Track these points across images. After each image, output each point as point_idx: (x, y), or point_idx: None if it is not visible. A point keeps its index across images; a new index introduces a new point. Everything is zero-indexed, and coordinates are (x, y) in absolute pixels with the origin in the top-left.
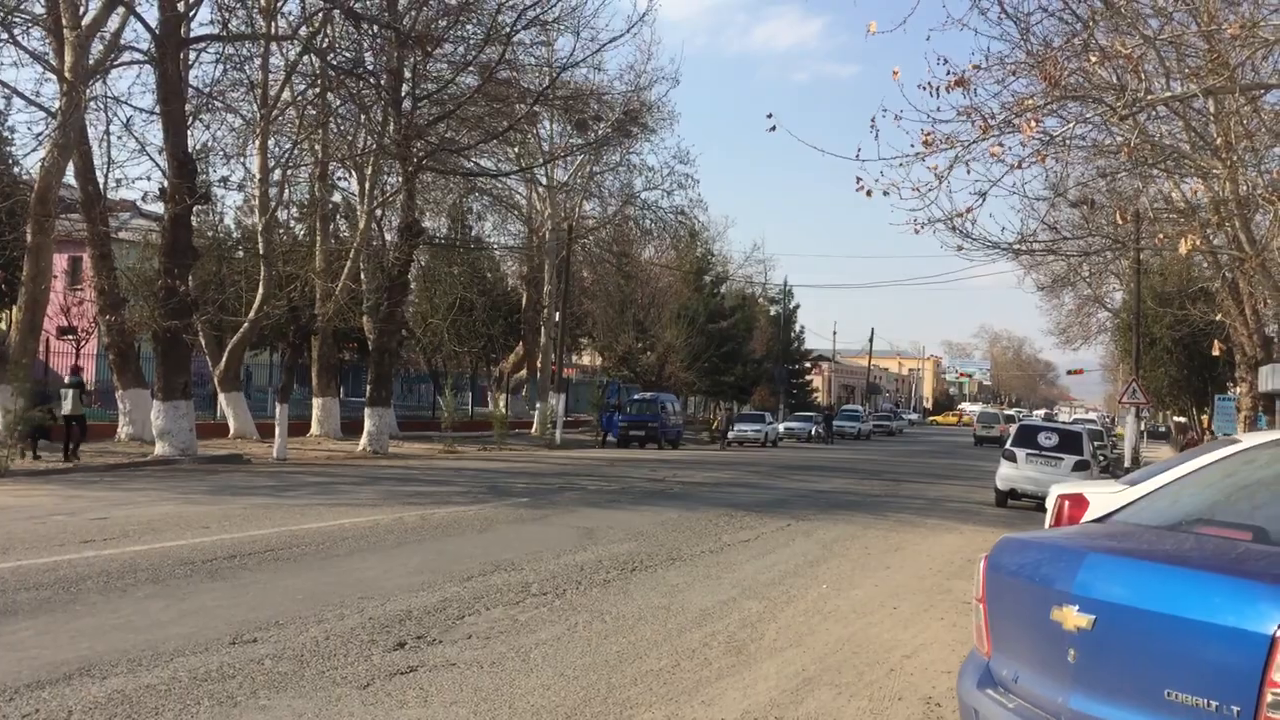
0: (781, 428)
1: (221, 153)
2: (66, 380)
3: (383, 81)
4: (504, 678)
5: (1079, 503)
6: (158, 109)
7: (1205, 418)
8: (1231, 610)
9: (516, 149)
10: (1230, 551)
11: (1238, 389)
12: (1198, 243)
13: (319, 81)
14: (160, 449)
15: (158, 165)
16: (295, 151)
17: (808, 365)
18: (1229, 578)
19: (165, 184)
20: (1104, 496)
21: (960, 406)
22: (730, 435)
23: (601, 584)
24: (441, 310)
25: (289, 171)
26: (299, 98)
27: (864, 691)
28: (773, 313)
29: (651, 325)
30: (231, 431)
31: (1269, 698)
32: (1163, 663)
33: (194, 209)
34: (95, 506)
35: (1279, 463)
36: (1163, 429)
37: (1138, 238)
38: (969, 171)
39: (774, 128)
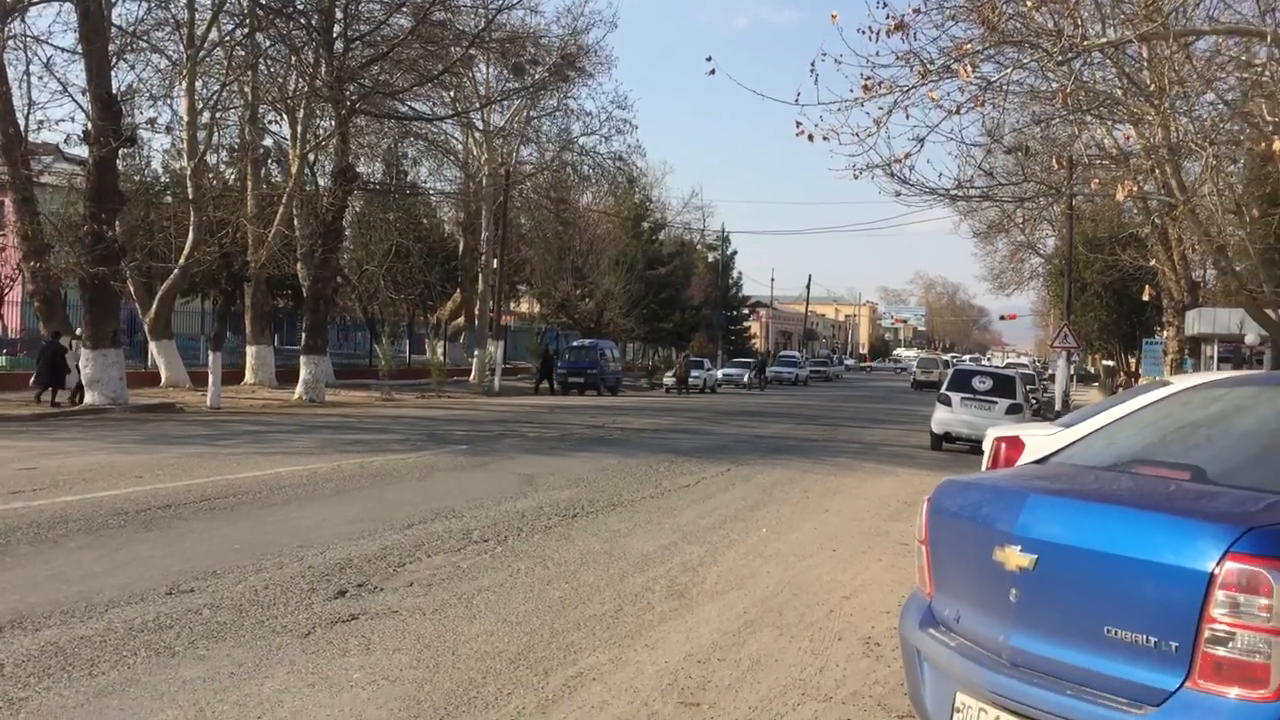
0: (720, 374)
1: (147, 94)
2: None
3: (314, 22)
4: (447, 624)
5: (1015, 445)
6: (80, 48)
7: (1134, 361)
8: (1171, 548)
9: (452, 93)
10: (1169, 490)
11: (1165, 333)
12: (1133, 189)
13: (248, 21)
14: (90, 398)
15: (81, 107)
16: (224, 94)
17: (746, 312)
18: (1169, 516)
19: (89, 126)
20: (1040, 439)
21: (896, 352)
22: (667, 382)
23: (543, 530)
24: (377, 257)
25: (218, 114)
26: (227, 38)
27: (805, 632)
28: (711, 259)
29: (590, 272)
30: (163, 380)
31: (1207, 633)
32: (1103, 601)
33: (120, 152)
34: (23, 456)
35: (1214, 404)
36: (1092, 372)
37: (1070, 184)
38: (908, 117)
39: (713, 71)
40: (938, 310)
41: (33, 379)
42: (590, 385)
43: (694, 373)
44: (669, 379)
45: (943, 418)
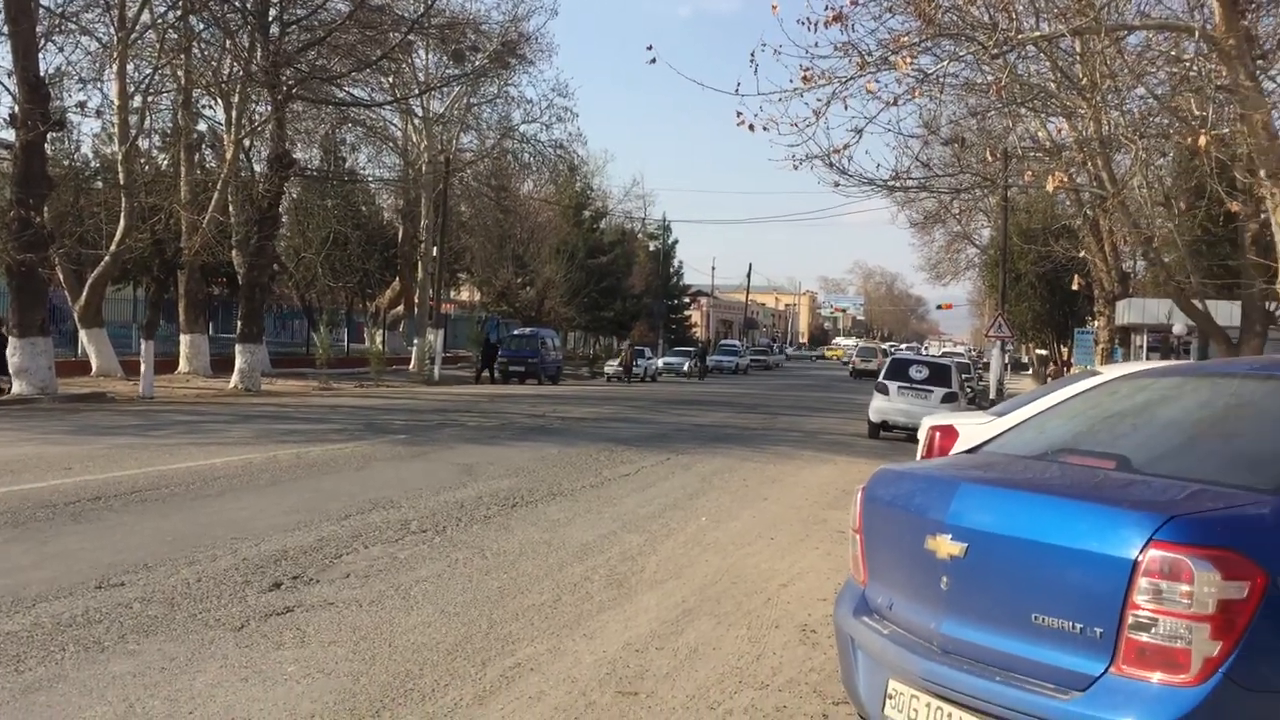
0: (660, 363)
1: (77, 77)
2: None
3: (249, 5)
4: (384, 616)
5: (949, 434)
6: (5, 29)
7: (1066, 350)
8: (1096, 536)
9: (391, 79)
10: (1095, 479)
11: (1096, 322)
12: (1064, 180)
13: (181, 3)
14: (17, 387)
15: (7, 89)
16: (156, 77)
17: (687, 301)
18: (1094, 505)
19: (15, 109)
20: (973, 427)
21: (835, 341)
22: (608, 370)
23: (482, 520)
24: (315, 244)
25: (150, 98)
26: (159, 20)
27: (742, 620)
28: (652, 248)
29: (531, 260)
30: (94, 369)
31: (1130, 619)
32: (1031, 588)
33: (48, 136)
34: None
35: (1140, 394)
36: (1025, 361)
37: (1005, 175)
38: (846, 108)
39: (654, 60)
40: (876, 300)
41: None
42: (531, 374)
43: (636, 361)
44: (611, 368)
45: (880, 406)
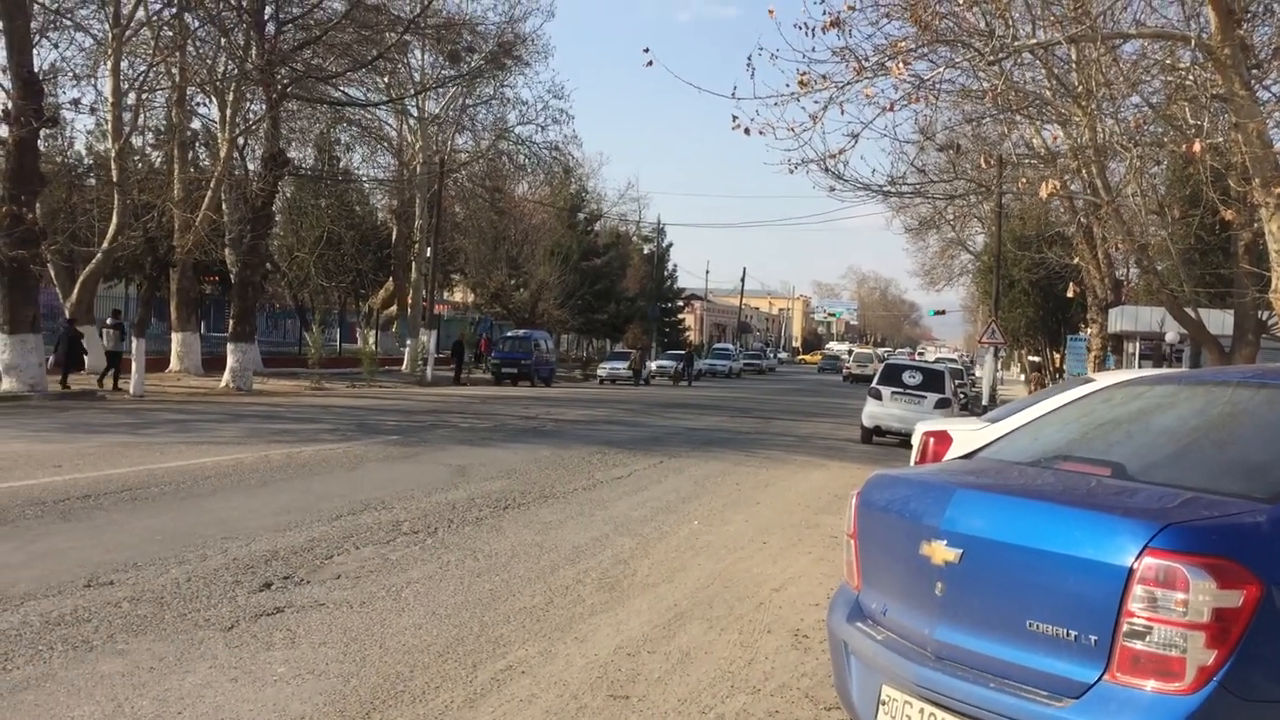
0: (653, 365)
1: (71, 74)
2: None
3: (244, 3)
4: (375, 617)
5: (943, 439)
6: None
7: (1058, 357)
8: (1091, 543)
9: (386, 79)
10: (1090, 486)
11: (1089, 330)
12: (1057, 187)
13: (175, 0)
14: (7, 384)
15: (0, 86)
16: (151, 74)
17: (680, 304)
18: (1089, 511)
19: (8, 105)
20: (967, 434)
21: (828, 345)
22: (601, 373)
23: (474, 522)
24: (308, 244)
25: (144, 95)
26: (154, 17)
27: (734, 625)
28: (646, 251)
29: (525, 262)
30: (85, 367)
31: (1125, 627)
32: (1026, 595)
33: (41, 133)
34: None
35: (1134, 401)
36: (1017, 368)
37: (1000, 182)
38: (843, 113)
39: (650, 63)
40: (870, 305)
41: (51, 361)
42: (524, 376)
43: (626, 364)
44: (605, 370)
45: (874, 411)
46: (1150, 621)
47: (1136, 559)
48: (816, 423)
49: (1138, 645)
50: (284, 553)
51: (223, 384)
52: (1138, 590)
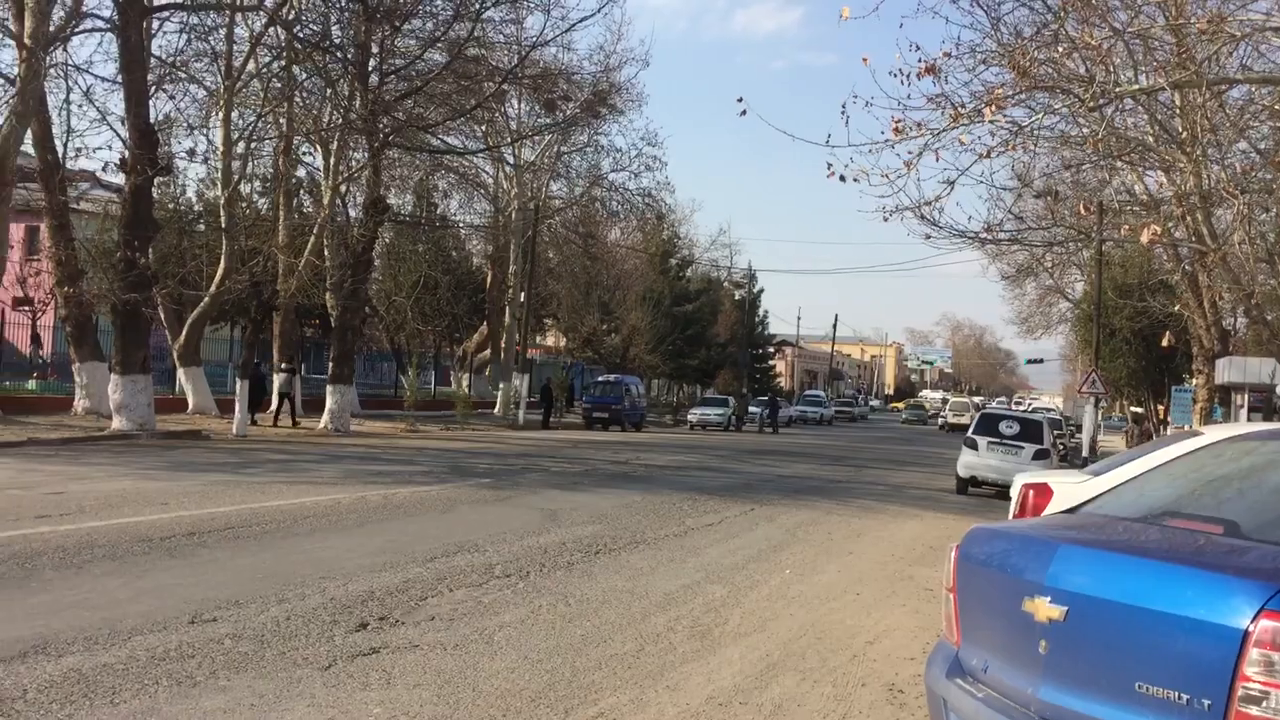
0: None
1: (184, 124)
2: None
3: (349, 55)
4: (468, 660)
5: (1043, 492)
6: (119, 78)
7: (1162, 409)
8: (1205, 604)
9: (484, 127)
10: (1202, 544)
11: (1194, 380)
12: (1159, 232)
13: (285, 54)
14: (118, 423)
15: (119, 135)
16: (259, 125)
17: (771, 350)
18: (1203, 571)
19: (126, 154)
20: (1069, 487)
21: (922, 393)
22: (692, 419)
23: (565, 566)
24: (406, 288)
25: (253, 145)
26: (264, 70)
27: (828, 677)
28: (737, 297)
29: (616, 307)
30: (190, 407)
31: (1240, 692)
32: (1134, 655)
33: (155, 180)
34: (51, 481)
35: (1246, 457)
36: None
37: (1100, 229)
38: (938, 159)
39: (744, 112)
40: (964, 352)
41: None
42: (615, 420)
43: (717, 410)
44: (693, 416)
45: (969, 461)
46: (1267, 686)
47: (1252, 621)
48: (910, 472)
49: (1253, 711)
50: (380, 593)
51: (321, 425)
52: (1253, 654)
